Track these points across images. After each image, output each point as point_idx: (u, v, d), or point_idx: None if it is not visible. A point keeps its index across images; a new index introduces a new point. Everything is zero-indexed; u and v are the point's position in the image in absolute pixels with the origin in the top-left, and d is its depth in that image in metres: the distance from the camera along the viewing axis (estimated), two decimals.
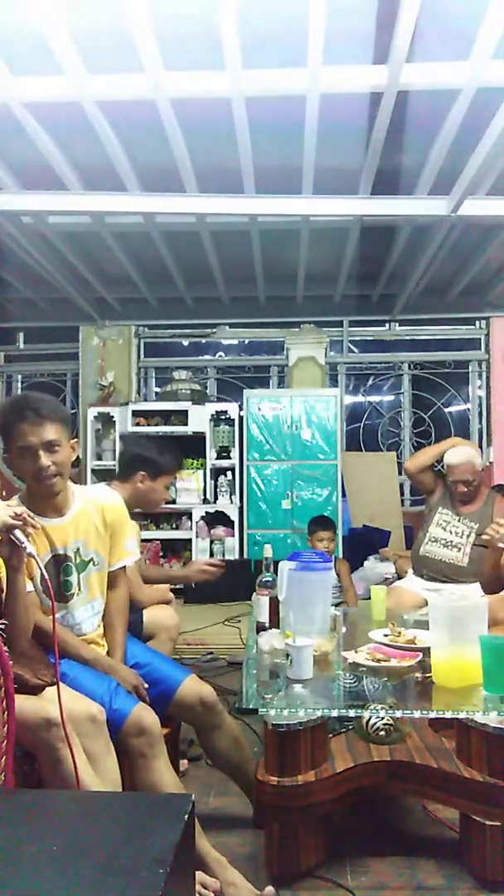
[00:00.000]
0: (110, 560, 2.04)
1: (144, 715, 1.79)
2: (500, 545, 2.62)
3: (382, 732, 2.04)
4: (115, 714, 1.76)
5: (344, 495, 5.48)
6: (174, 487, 5.20)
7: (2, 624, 1.65)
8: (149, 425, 5.53)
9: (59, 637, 1.79)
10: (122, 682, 1.86)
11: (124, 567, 2.09)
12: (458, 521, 3.25)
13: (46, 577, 1.67)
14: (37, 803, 0.99)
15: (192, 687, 2.03)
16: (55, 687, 1.67)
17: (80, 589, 1.95)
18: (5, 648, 1.38)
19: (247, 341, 6.25)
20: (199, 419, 5.46)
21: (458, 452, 3.28)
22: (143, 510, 2.65)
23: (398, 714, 1.89)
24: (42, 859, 0.79)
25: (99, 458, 5.60)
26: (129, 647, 2.09)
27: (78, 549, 1.94)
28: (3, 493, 1.77)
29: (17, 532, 1.53)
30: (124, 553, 2.07)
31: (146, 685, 1.93)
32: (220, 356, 6.27)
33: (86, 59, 2.59)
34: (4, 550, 1.57)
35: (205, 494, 5.45)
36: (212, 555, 5.28)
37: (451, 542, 3.21)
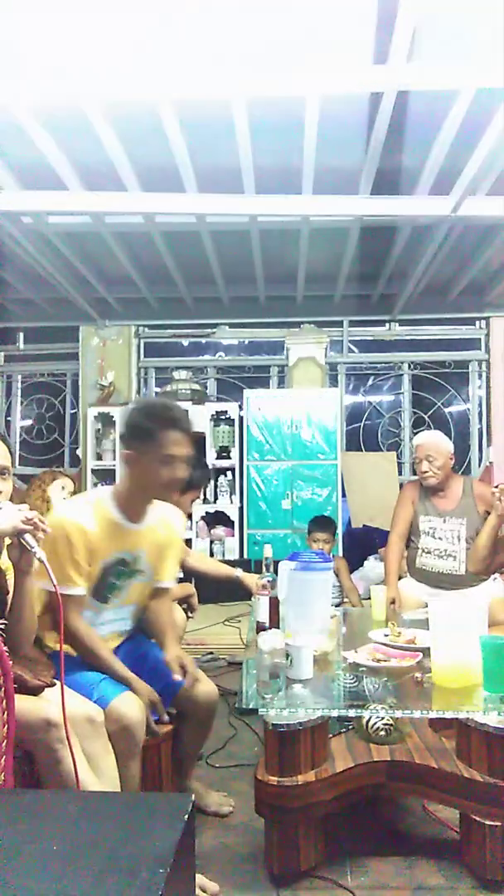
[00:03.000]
0: (160, 576, 2.09)
1: (124, 709, 1.76)
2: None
3: (382, 732, 2.04)
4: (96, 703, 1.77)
5: (344, 495, 5.48)
6: None
7: (1, 624, 1.65)
8: None
9: (88, 643, 1.87)
10: (138, 697, 1.85)
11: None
12: (444, 522, 3.20)
13: (55, 583, 1.68)
14: (37, 803, 0.99)
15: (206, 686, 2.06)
16: (54, 688, 1.67)
17: (122, 594, 1.99)
18: (5, 649, 1.39)
19: (247, 341, 6.25)
20: (199, 419, 5.45)
21: (426, 433, 3.34)
22: None
23: (398, 714, 1.89)
24: (42, 859, 0.79)
25: (99, 458, 5.60)
26: (142, 641, 2.11)
27: (137, 557, 1.98)
28: (12, 498, 1.75)
29: (28, 536, 1.54)
30: (172, 574, 2.15)
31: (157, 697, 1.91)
32: (220, 356, 6.27)
33: (86, 59, 2.59)
34: (14, 554, 1.58)
35: (204, 494, 5.45)
36: (212, 554, 5.28)
37: (445, 550, 3.17)
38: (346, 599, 3.88)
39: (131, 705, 1.78)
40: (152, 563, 2.04)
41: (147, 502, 1.96)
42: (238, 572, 2.75)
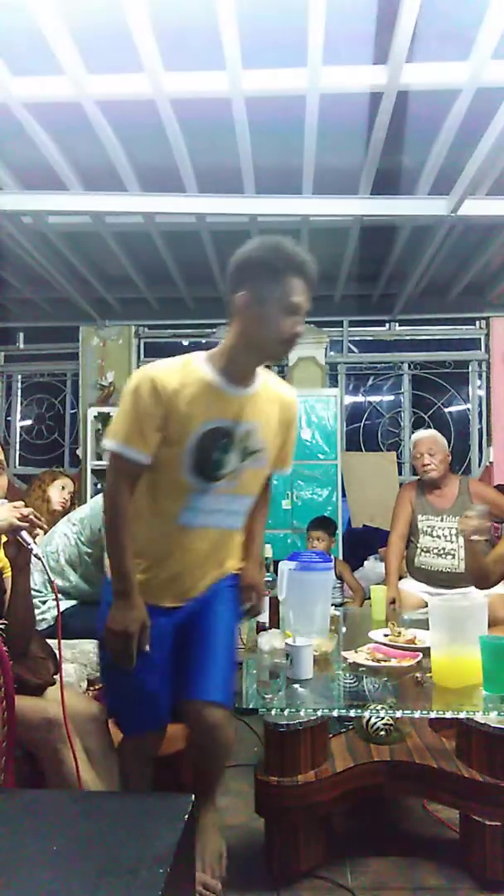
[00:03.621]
0: (280, 462, 1.81)
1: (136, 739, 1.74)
2: (473, 538, 2.58)
3: (382, 732, 2.04)
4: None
5: (344, 495, 5.48)
6: None
7: (2, 624, 1.65)
8: None
9: (119, 520, 1.59)
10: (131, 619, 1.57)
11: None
12: (441, 521, 3.21)
13: (51, 577, 1.67)
14: (37, 803, 0.99)
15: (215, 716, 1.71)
16: (56, 686, 1.67)
17: (231, 476, 1.65)
18: (5, 648, 1.39)
19: None
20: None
21: (424, 430, 3.39)
22: None
23: (398, 714, 1.89)
24: (42, 859, 0.79)
25: (99, 458, 5.59)
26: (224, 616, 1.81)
27: (248, 434, 1.65)
28: (7, 497, 1.74)
29: (24, 533, 1.54)
30: (287, 462, 1.85)
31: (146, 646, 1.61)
32: None
33: (86, 59, 2.59)
34: (10, 551, 1.58)
35: None
36: None
37: (444, 549, 3.17)
38: (346, 599, 3.89)
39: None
40: (270, 442, 1.71)
41: (255, 362, 1.64)
42: None
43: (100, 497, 2.97)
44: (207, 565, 1.73)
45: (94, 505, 2.89)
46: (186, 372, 1.60)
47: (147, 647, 1.59)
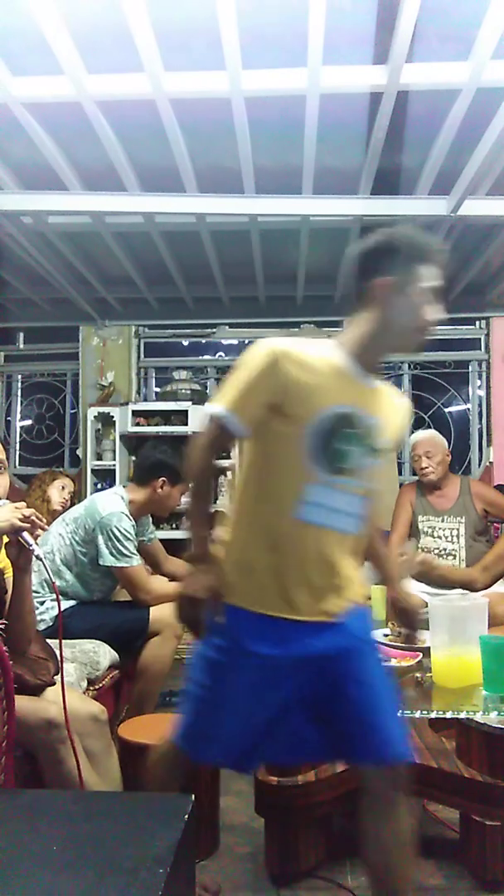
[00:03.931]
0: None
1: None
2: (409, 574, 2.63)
3: None
4: None
5: None
6: None
7: (2, 624, 1.65)
8: (149, 425, 5.52)
9: (204, 473, 1.59)
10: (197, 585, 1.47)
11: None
12: (442, 522, 3.22)
13: (51, 577, 1.67)
14: (37, 803, 0.99)
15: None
16: (56, 687, 1.67)
17: (355, 472, 1.52)
18: (5, 648, 1.39)
19: (247, 341, 6.24)
20: (199, 419, 5.42)
21: (422, 431, 3.40)
22: (154, 514, 2.64)
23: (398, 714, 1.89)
24: (42, 859, 0.79)
25: (99, 458, 5.59)
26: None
27: (373, 429, 1.55)
28: (8, 497, 1.74)
29: (26, 534, 1.55)
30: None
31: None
32: (220, 356, 6.26)
33: (86, 58, 2.59)
34: (12, 552, 1.59)
35: None
36: None
37: (445, 549, 3.18)
38: None
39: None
40: (390, 442, 1.63)
41: (390, 350, 1.60)
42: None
43: (95, 496, 2.97)
44: (336, 576, 1.54)
45: (89, 504, 2.88)
46: (315, 351, 1.52)
47: (221, 619, 1.47)
